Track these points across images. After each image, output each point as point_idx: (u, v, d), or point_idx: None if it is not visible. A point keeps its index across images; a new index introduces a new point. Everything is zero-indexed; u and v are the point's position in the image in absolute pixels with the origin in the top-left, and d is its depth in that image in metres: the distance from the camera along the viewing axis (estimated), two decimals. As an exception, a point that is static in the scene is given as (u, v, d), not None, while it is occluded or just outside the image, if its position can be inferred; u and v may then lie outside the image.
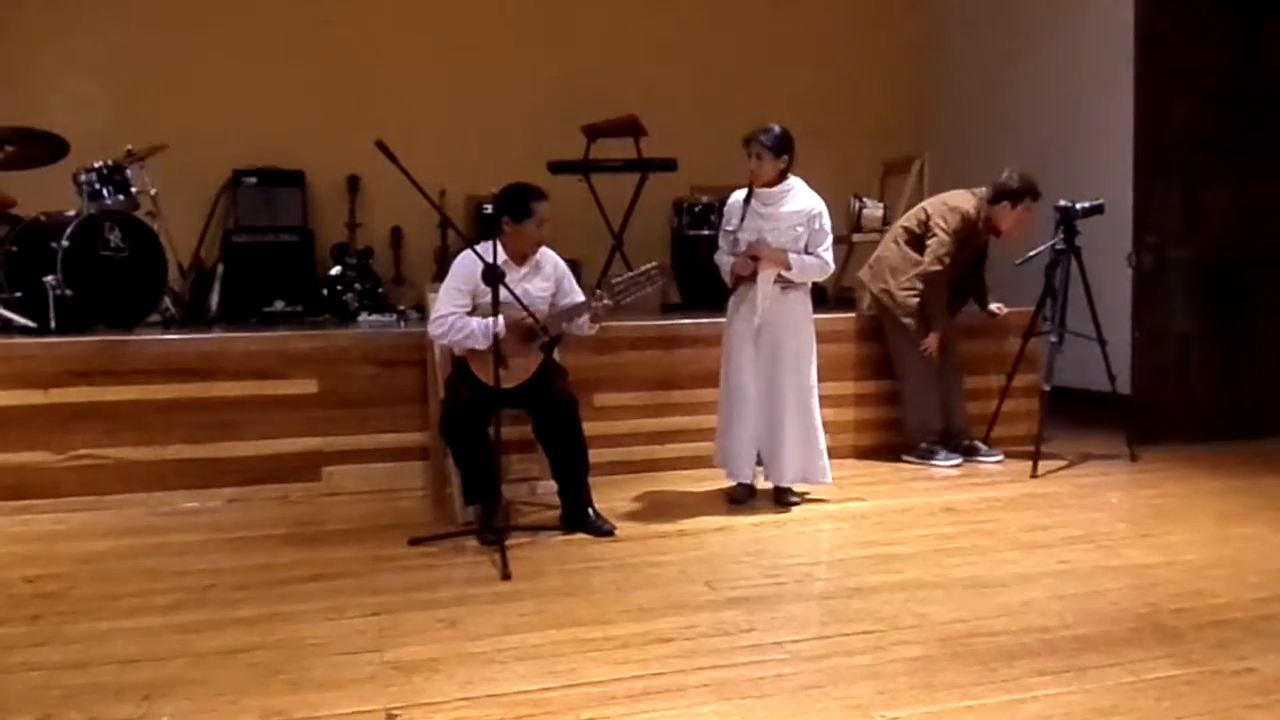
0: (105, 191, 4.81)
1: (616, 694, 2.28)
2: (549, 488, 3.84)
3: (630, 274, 3.70)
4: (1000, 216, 4.61)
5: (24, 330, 4.45)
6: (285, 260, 5.89)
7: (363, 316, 5.52)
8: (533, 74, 6.50)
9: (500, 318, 3.37)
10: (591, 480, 3.71)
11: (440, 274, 4.94)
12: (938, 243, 4.60)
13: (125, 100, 5.92)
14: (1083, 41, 5.90)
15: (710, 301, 4.74)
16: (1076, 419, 5.17)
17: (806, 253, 3.88)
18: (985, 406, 4.94)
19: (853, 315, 4.98)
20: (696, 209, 5.79)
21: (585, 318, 3.67)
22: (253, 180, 6.11)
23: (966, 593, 2.94)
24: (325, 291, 5.84)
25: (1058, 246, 4.54)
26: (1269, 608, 2.81)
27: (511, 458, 4.08)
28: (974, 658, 2.46)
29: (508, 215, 3.61)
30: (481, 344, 3.48)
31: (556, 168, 5.94)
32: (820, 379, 4.00)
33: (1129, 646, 2.53)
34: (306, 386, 4.23)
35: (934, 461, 4.65)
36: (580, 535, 3.58)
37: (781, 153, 3.82)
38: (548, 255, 3.78)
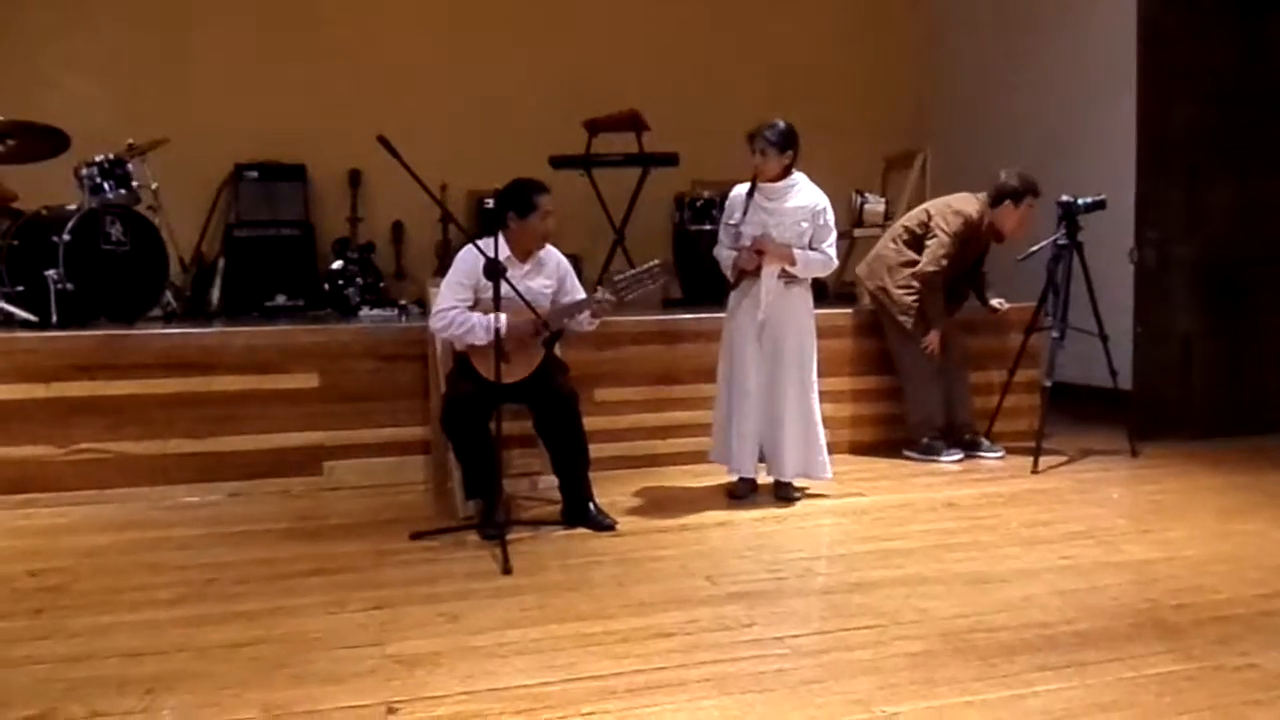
0: (106, 186, 4.82)
1: (617, 688, 2.28)
2: (550, 482, 3.84)
3: (632, 271, 3.71)
4: (1003, 218, 4.60)
5: (25, 324, 4.46)
6: (286, 254, 5.90)
7: (364, 311, 5.53)
8: (534, 68, 6.49)
9: (503, 315, 3.37)
10: (592, 475, 3.71)
11: (441, 269, 4.94)
12: (937, 243, 4.59)
13: (126, 94, 5.92)
14: (1086, 38, 5.89)
15: (712, 296, 4.75)
16: (1078, 415, 5.17)
17: (810, 248, 3.88)
18: (987, 402, 4.94)
19: (851, 310, 4.98)
20: (698, 204, 5.79)
21: (587, 314, 3.67)
22: (254, 174, 6.11)
23: (967, 588, 2.94)
24: (326, 286, 5.84)
25: (1060, 241, 4.54)
26: (1270, 604, 2.81)
27: (512, 452, 4.08)
28: (975, 653, 2.47)
29: (512, 211, 3.61)
30: (482, 340, 3.48)
31: (558, 162, 5.94)
32: (819, 374, 3.99)
33: (1130, 642, 2.53)
34: (308, 381, 4.23)
35: (935, 457, 4.65)
36: (581, 530, 3.58)
37: (786, 148, 3.81)
38: (551, 253, 3.78)
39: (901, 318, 4.68)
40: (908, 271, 4.67)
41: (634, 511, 3.84)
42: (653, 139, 6.11)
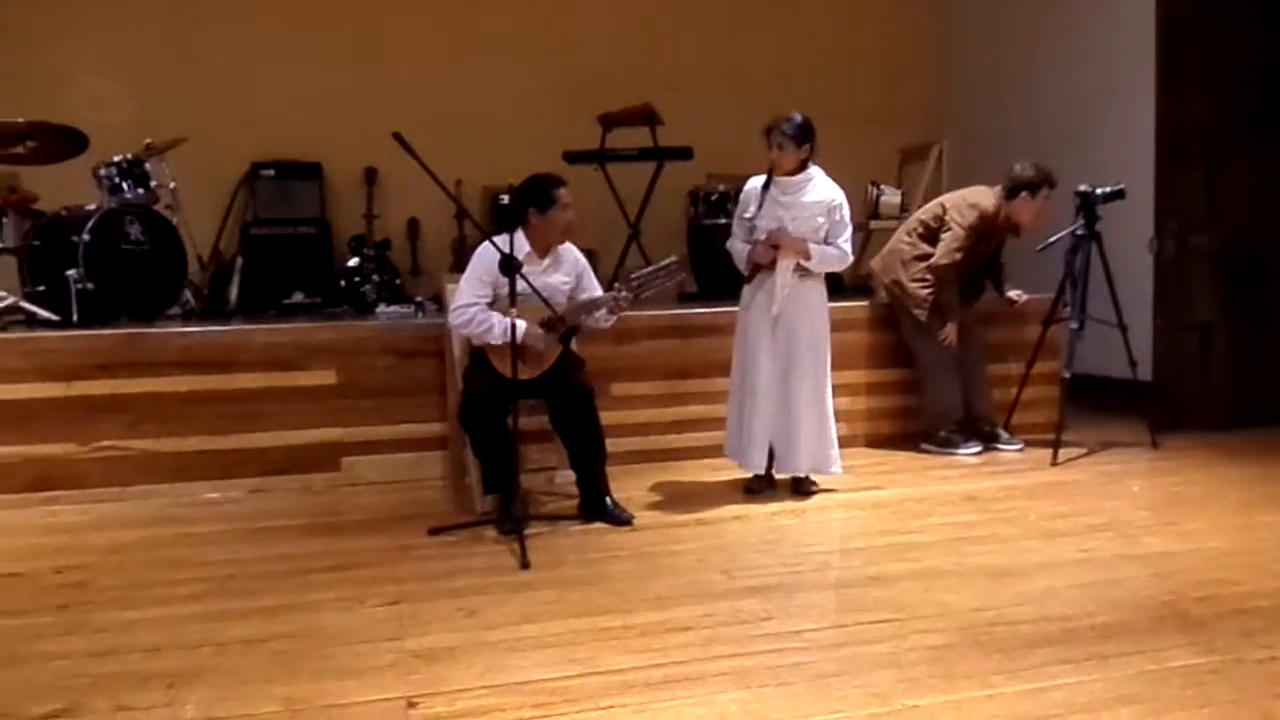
0: (125, 185, 4.86)
1: (635, 682, 2.28)
2: (567, 477, 3.85)
3: (649, 268, 3.70)
4: (1019, 210, 4.56)
5: (47, 324, 4.50)
6: (303, 252, 5.93)
7: (381, 308, 5.55)
8: (548, 64, 6.49)
9: (522, 321, 3.39)
10: (609, 469, 3.72)
11: (457, 265, 4.96)
12: (951, 236, 4.56)
13: (144, 94, 5.95)
14: (1103, 27, 5.83)
15: (727, 291, 4.72)
16: (1097, 406, 5.13)
17: (826, 243, 3.86)
18: (1005, 394, 4.91)
19: (866, 303, 4.96)
20: (713, 198, 5.77)
21: (604, 311, 3.67)
22: (271, 173, 6.15)
23: (987, 581, 2.93)
24: (343, 283, 5.87)
25: (1078, 232, 4.50)
26: (1293, 596, 2.79)
27: (530, 447, 4.08)
28: (995, 646, 2.46)
29: (533, 207, 3.63)
30: (499, 342, 3.49)
31: (572, 157, 5.94)
32: (833, 368, 3.98)
33: (1151, 635, 2.52)
34: (326, 378, 4.26)
35: (953, 450, 4.63)
36: (598, 524, 3.59)
37: (803, 142, 3.80)
38: (569, 249, 3.79)
39: (917, 311, 4.65)
40: (922, 265, 4.65)
41: (651, 506, 3.84)
42: (667, 133, 6.09)
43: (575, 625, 2.62)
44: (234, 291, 5.81)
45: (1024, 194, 4.55)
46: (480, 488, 3.76)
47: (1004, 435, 4.77)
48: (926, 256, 4.65)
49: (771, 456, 3.94)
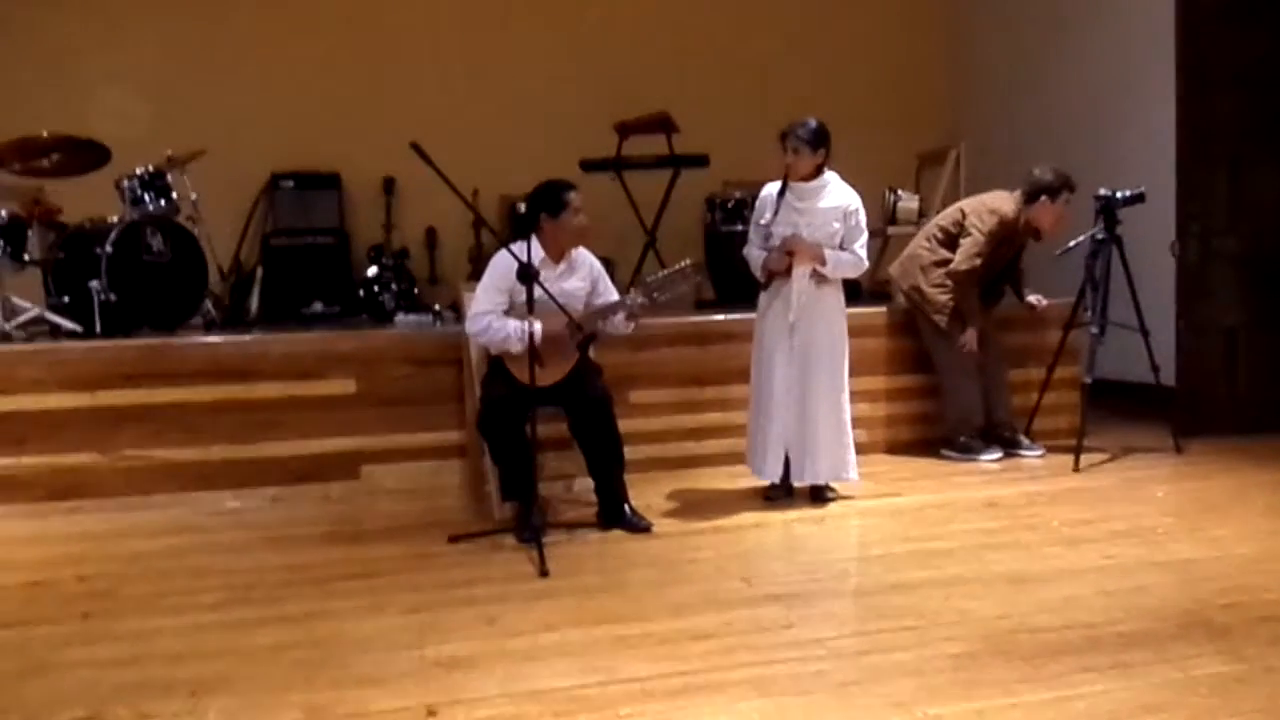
0: (147, 197, 4.90)
1: (655, 691, 2.28)
2: (585, 485, 3.85)
3: (665, 272, 3.70)
4: (1039, 214, 4.53)
5: (71, 335, 4.55)
6: (323, 262, 5.98)
7: (399, 317, 5.57)
8: (564, 72, 6.52)
9: (538, 324, 3.39)
10: (627, 477, 3.72)
11: (475, 273, 4.98)
12: (971, 242, 4.54)
13: (165, 107, 6.02)
14: (1122, 28, 5.80)
15: (744, 297, 4.72)
16: (1119, 412, 5.08)
17: (841, 248, 3.85)
18: (1026, 399, 4.87)
19: (884, 309, 4.93)
20: (729, 205, 5.77)
21: (621, 316, 3.67)
22: (290, 183, 6.20)
23: (1009, 588, 2.91)
24: (362, 292, 5.91)
25: (1098, 236, 4.47)
26: (1322, 603, 2.75)
27: (548, 455, 4.09)
28: (1018, 654, 2.43)
29: (545, 213, 3.64)
30: (517, 348, 3.50)
31: (589, 165, 5.96)
32: (852, 373, 3.96)
33: (1177, 643, 2.49)
34: (345, 386, 4.28)
35: (974, 456, 4.60)
36: (617, 532, 3.58)
37: (818, 147, 3.79)
38: (584, 255, 3.79)
39: (936, 317, 4.63)
40: (941, 271, 4.62)
41: (669, 513, 3.83)
42: (683, 140, 6.11)
43: (594, 633, 2.62)
44: (254, 301, 5.86)
45: (1044, 198, 4.52)
46: (499, 495, 3.76)
47: (1025, 441, 4.73)
48: (945, 262, 4.62)
49: (788, 464, 3.93)
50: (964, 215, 4.64)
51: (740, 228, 5.51)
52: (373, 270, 5.97)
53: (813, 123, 3.80)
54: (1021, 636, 2.54)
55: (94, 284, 4.51)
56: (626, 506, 3.66)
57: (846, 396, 3.93)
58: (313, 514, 4.01)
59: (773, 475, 3.94)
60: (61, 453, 4.03)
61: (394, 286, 5.90)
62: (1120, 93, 5.78)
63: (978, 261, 4.53)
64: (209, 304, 5.27)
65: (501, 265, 3.61)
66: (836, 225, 3.83)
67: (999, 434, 4.71)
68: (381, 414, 4.30)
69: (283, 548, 3.54)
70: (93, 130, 5.06)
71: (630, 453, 3.76)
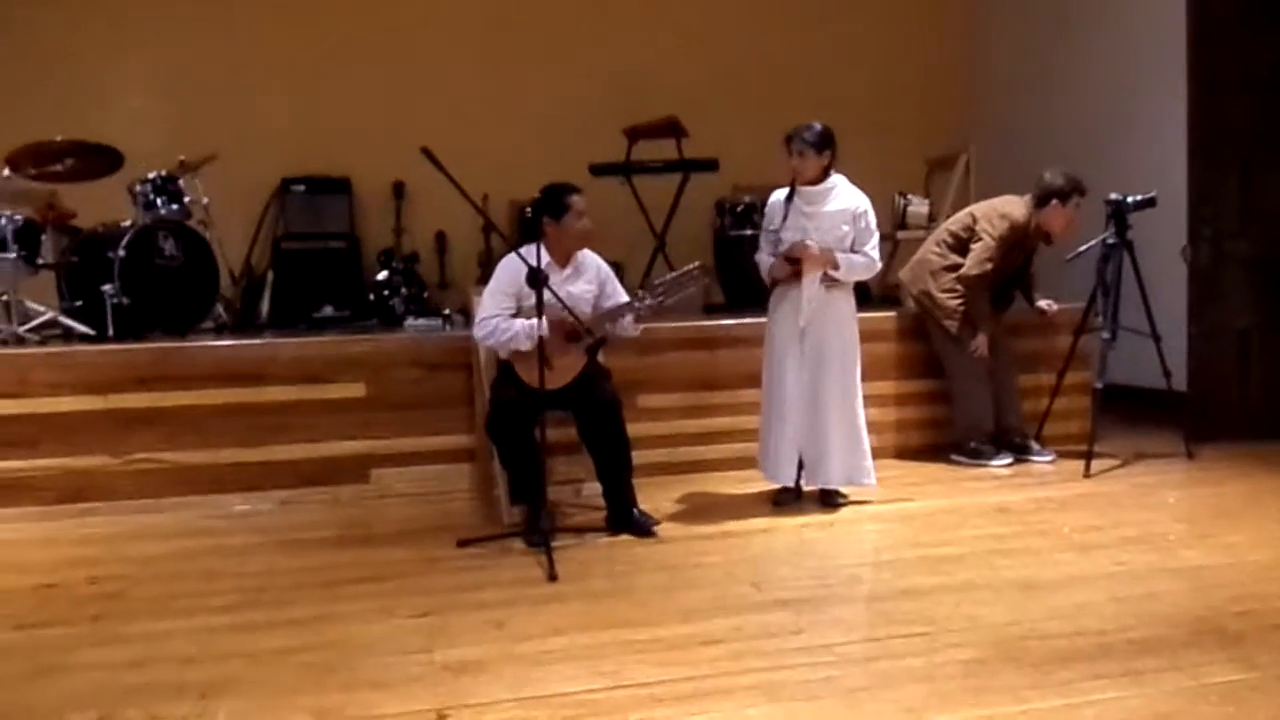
0: (159, 202, 4.94)
1: (664, 696, 2.28)
2: (594, 489, 3.85)
3: (672, 274, 3.70)
4: (1050, 218, 4.51)
5: (84, 338, 4.58)
6: (333, 266, 6.00)
7: (409, 321, 5.58)
8: (574, 77, 6.53)
9: (544, 319, 3.39)
10: (636, 482, 3.71)
11: (484, 278, 4.98)
12: (982, 247, 4.52)
13: (177, 112, 6.08)
14: (1133, 32, 5.78)
15: (753, 301, 4.72)
16: (1130, 417, 5.05)
17: (852, 251, 3.84)
18: (1036, 405, 4.86)
19: (895, 314, 4.93)
20: (739, 209, 5.77)
21: (629, 318, 3.68)
22: (301, 188, 6.23)
23: (1019, 594, 2.89)
24: (372, 296, 5.93)
25: (1109, 241, 4.45)
26: (1336, 610, 2.73)
27: (556, 460, 4.09)
28: (1028, 661, 2.42)
29: (548, 216, 3.65)
30: (525, 345, 3.51)
31: (598, 170, 5.97)
32: (863, 378, 3.96)
33: (1189, 650, 2.47)
34: (355, 390, 4.30)
35: (984, 461, 4.58)
36: (626, 536, 3.58)
37: (823, 149, 3.79)
38: (590, 258, 3.80)
39: (947, 322, 4.62)
40: (952, 276, 4.61)
41: (678, 518, 3.83)
42: (692, 145, 6.11)
43: (603, 637, 2.62)
44: (265, 305, 5.89)
45: (1054, 202, 4.50)
46: (508, 499, 3.77)
47: (1035, 447, 4.71)
48: (956, 267, 4.61)
49: (801, 468, 3.92)
50: (975, 220, 4.63)
51: (750, 232, 5.52)
52: (383, 274, 5.99)
53: (817, 126, 3.80)
54: (1032, 643, 2.53)
55: (107, 288, 4.54)
56: (635, 511, 3.65)
57: (860, 401, 3.92)
58: (322, 517, 4.02)
59: (786, 479, 3.93)
60: (74, 455, 4.05)
61: (404, 291, 5.92)
62: (1131, 97, 5.76)
63: (988, 266, 4.51)
64: (220, 308, 5.30)
65: (509, 269, 3.62)
66: (845, 228, 3.82)
67: (1009, 439, 4.69)
68: (391, 418, 4.31)
69: (292, 551, 3.56)
70: (107, 135, 5.09)
71: (639, 457, 3.76)
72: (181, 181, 5.10)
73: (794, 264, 3.81)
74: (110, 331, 4.53)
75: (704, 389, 4.61)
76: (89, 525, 3.94)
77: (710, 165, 6.07)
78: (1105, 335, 4.41)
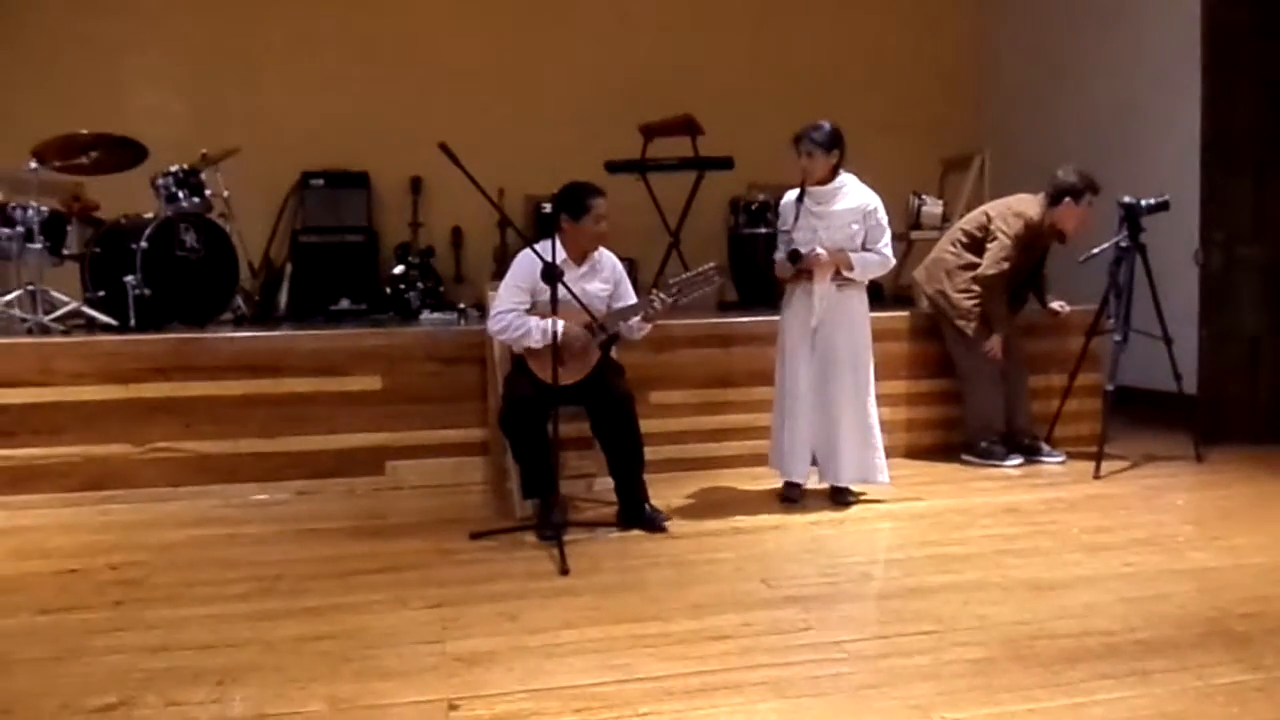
0: (181, 194, 4.99)
1: (673, 690, 2.30)
2: (606, 484, 3.88)
3: (688, 274, 3.73)
4: (1064, 216, 4.52)
5: (106, 328, 4.64)
6: (351, 260, 6.05)
7: (425, 314, 5.63)
8: (590, 74, 6.55)
9: (560, 320, 3.42)
10: (647, 477, 3.74)
11: (499, 272, 5.02)
12: (998, 246, 4.53)
13: (200, 106, 6.14)
14: (1147, 34, 5.76)
15: (767, 299, 4.75)
16: (1140, 419, 5.05)
17: (864, 249, 3.86)
18: (1047, 406, 4.85)
19: (907, 313, 4.93)
20: (753, 207, 5.78)
21: (638, 319, 3.70)
22: (320, 182, 6.27)
23: (1028, 594, 2.91)
24: (389, 290, 5.97)
25: (1122, 244, 4.45)
26: (1344, 615, 2.74)
27: (569, 455, 4.12)
28: (1036, 660, 2.44)
29: (566, 213, 3.67)
30: (538, 344, 3.54)
31: (614, 167, 5.99)
32: (875, 377, 3.97)
33: (1196, 651, 2.49)
34: (371, 383, 4.34)
35: (995, 461, 4.59)
36: (637, 531, 3.61)
37: (831, 149, 3.80)
38: (606, 257, 3.82)
39: (961, 322, 4.62)
40: (967, 275, 4.62)
41: (689, 514, 3.86)
42: (708, 143, 6.12)
43: (614, 632, 2.65)
44: (283, 298, 5.94)
45: (1068, 200, 4.50)
46: (520, 493, 3.80)
47: (1045, 448, 4.71)
48: (971, 266, 4.62)
49: (815, 465, 3.94)
50: (989, 219, 4.63)
51: (764, 230, 5.54)
52: (399, 268, 6.03)
53: (825, 125, 3.81)
54: (1040, 643, 2.55)
55: (129, 279, 4.60)
56: (646, 506, 3.69)
57: (872, 400, 3.93)
58: (338, 508, 4.07)
59: (801, 475, 3.96)
60: (96, 444, 4.11)
61: (420, 285, 5.95)
62: (1145, 100, 5.74)
63: (1005, 265, 4.52)
64: (239, 299, 5.34)
65: (524, 264, 3.65)
66: (855, 227, 3.83)
67: (1020, 440, 4.70)
68: (406, 410, 4.35)
69: (308, 541, 3.60)
70: (130, 128, 5.15)
71: (651, 453, 3.79)
72: (203, 175, 5.14)
73: (797, 262, 3.82)
74: (132, 322, 4.59)
75: (717, 386, 4.63)
76: (110, 512, 4.00)
77: (725, 163, 6.08)
78: (1117, 338, 4.41)
